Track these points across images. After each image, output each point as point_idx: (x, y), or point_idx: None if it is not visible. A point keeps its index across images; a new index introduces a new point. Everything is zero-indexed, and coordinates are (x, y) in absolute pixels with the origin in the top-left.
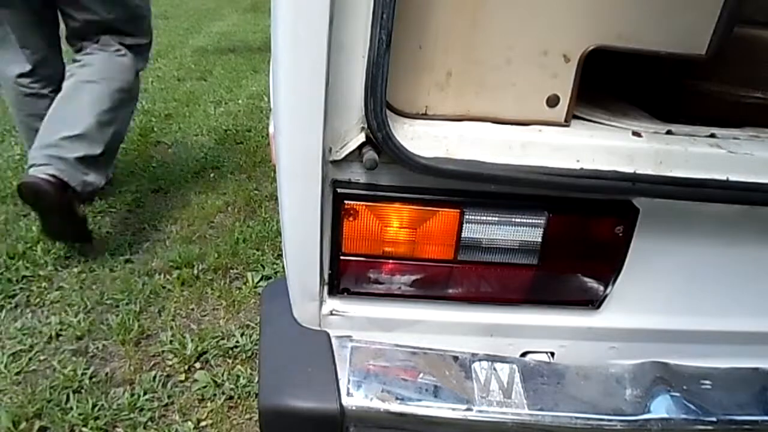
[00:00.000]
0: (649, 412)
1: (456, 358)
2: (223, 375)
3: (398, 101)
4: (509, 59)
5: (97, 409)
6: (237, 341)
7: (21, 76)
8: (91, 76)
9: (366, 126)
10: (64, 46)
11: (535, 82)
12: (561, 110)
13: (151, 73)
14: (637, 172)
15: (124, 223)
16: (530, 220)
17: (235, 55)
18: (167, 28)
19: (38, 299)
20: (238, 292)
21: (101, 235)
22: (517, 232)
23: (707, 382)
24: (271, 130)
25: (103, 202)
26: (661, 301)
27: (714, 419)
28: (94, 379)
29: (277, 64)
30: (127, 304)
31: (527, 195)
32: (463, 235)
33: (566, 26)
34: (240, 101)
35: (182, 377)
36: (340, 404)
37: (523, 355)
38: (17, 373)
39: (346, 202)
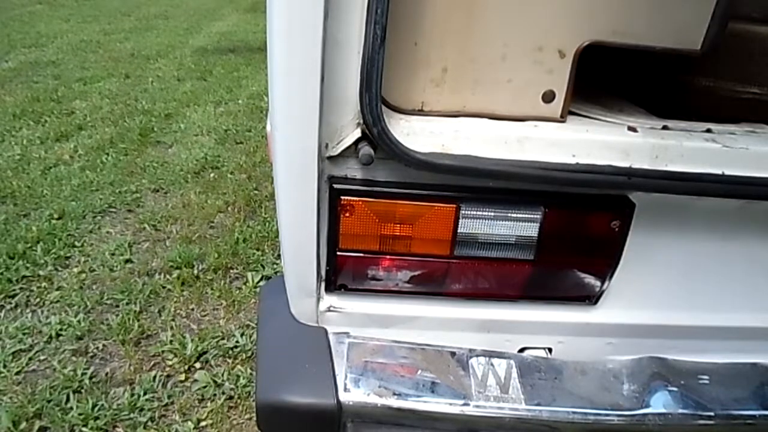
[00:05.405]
0: (646, 407)
1: (453, 354)
2: (223, 375)
3: (394, 97)
4: (504, 55)
5: (97, 409)
6: (237, 341)
7: None
8: None
9: (362, 121)
10: None
11: (531, 77)
12: (557, 106)
13: (151, 73)
14: (633, 166)
15: (124, 223)
16: (526, 216)
17: (235, 55)
18: (167, 28)
19: (38, 299)
20: (238, 292)
21: (101, 235)
22: (514, 227)
23: (705, 377)
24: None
25: (103, 201)
26: (659, 297)
27: (711, 414)
28: (94, 379)
29: (272, 61)
30: (127, 304)
31: (523, 190)
32: (459, 231)
33: (561, 22)
34: (240, 101)
35: (182, 377)
36: (338, 400)
37: (521, 351)
38: (17, 373)
39: (342, 197)
